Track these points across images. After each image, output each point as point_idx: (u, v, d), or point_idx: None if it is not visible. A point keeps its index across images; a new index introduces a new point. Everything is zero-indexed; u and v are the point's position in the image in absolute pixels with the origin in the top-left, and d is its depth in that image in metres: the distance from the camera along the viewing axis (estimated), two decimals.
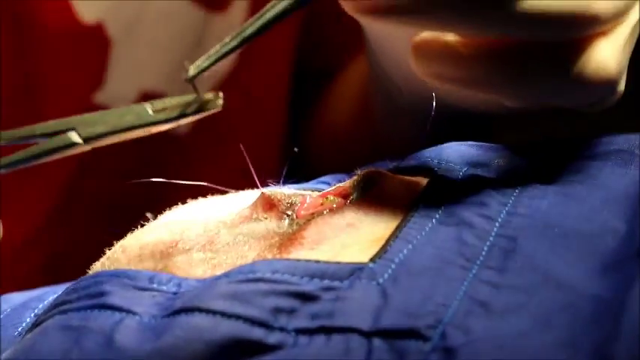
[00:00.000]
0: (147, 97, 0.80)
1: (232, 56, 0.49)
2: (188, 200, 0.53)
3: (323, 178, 0.55)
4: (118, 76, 0.80)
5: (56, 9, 0.77)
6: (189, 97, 0.48)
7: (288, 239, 0.46)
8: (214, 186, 0.54)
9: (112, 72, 0.80)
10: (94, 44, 0.79)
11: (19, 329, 0.51)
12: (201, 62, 0.47)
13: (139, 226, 0.51)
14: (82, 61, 0.80)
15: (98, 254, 0.51)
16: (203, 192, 0.54)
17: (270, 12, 0.46)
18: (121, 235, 0.51)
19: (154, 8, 0.80)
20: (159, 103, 0.49)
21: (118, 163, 0.82)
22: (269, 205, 0.49)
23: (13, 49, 0.77)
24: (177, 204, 0.52)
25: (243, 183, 0.53)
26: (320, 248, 0.45)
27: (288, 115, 0.90)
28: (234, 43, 0.47)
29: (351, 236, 0.45)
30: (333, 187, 0.50)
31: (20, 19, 0.77)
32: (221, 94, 0.49)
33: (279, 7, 0.46)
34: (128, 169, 0.82)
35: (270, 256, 0.46)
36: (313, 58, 0.91)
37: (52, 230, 0.82)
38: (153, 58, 0.82)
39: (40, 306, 0.52)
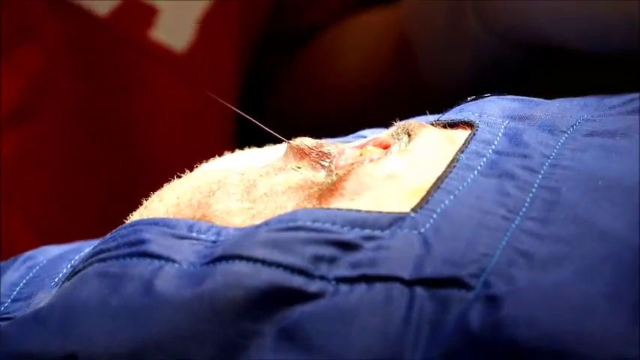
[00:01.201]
0: None
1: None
2: None
3: (358, 132, 0.55)
4: None
5: None
6: None
7: (328, 190, 0.46)
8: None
9: None
10: None
11: (56, 280, 0.51)
12: None
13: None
14: None
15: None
16: None
17: None
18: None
19: None
20: None
21: (89, 67, 0.79)
22: (299, 154, 0.49)
23: None
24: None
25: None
26: (360, 198, 0.45)
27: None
28: None
29: (391, 187, 0.45)
30: (372, 138, 0.50)
31: None
32: None
33: None
34: (99, 75, 0.79)
35: (309, 206, 0.45)
36: (285, 20, 0.88)
37: (20, 124, 0.79)
38: None
39: (77, 257, 0.52)
